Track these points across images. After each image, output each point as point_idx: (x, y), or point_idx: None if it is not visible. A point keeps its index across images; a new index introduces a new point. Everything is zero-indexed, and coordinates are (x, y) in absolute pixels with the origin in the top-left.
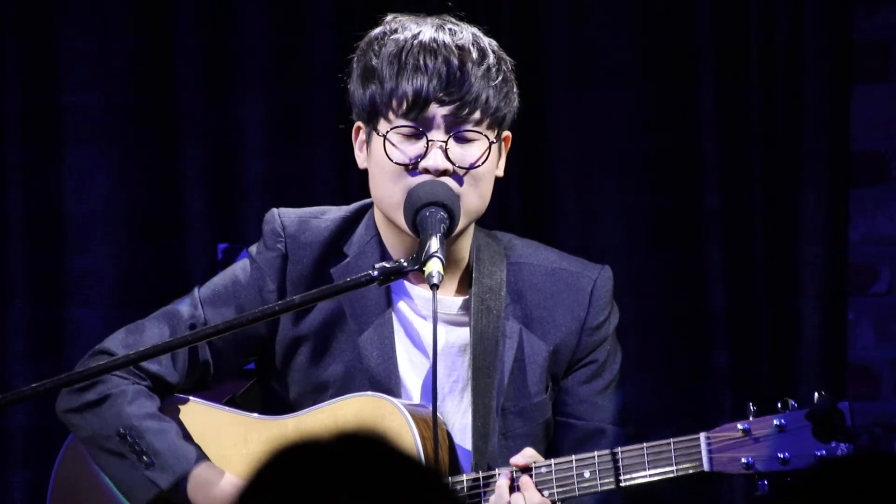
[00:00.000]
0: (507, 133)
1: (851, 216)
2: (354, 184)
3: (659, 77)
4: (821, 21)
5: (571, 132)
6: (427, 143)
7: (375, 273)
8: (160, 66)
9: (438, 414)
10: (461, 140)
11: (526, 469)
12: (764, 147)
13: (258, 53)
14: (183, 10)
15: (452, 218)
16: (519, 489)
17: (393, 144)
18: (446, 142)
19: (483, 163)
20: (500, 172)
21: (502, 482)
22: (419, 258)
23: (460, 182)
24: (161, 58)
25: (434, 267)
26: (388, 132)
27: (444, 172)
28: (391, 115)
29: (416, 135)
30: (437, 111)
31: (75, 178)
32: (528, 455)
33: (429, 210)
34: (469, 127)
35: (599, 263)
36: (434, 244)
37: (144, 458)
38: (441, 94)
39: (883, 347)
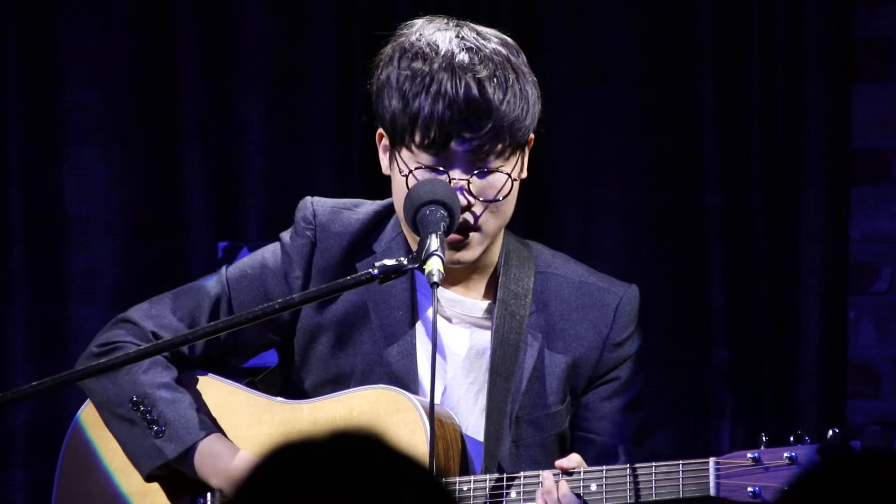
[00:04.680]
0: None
1: (852, 214)
2: (355, 183)
3: (659, 76)
4: (821, 20)
5: (571, 132)
6: (449, 181)
7: (375, 272)
8: (160, 65)
9: (453, 415)
10: (483, 174)
11: (568, 473)
12: (764, 146)
13: (259, 53)
14: (183, 10)
15: (452, 216)
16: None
17: (416, 179)
18: (469, 179)
19: (507, 195)
20: (524, 174)
21: (549, 481)
22: (419, 257)
23: (483, 210)
24: (161, 58)
25: (434, 265)
26: (412, 170)
27: (467, 208)
28: (413, 147)
29: (439, 172)
30: (459, 149)
31: (76, 177)
32: (574, 460)
33: (428, 209)
34: (492, 163)
35: (607, 270)
36: (434, 242)
37: (154, 426)
38: (463, 132)
39: (883, 346)
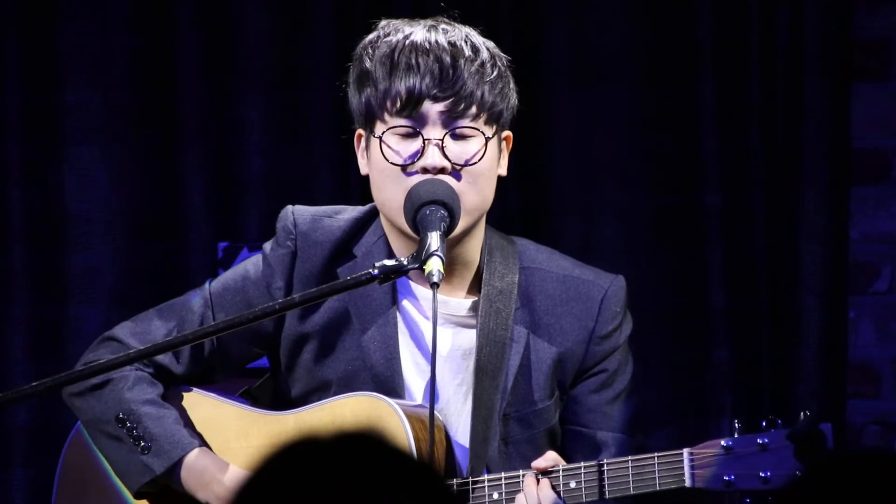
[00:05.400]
0: (507, 133)
1: (852, 214)
2: (354, 183)
3: (659, 76)
4: (821, 20)
5: (571, 132)
6: (423, 142)
7: (375, 272)
8: (160, 65)
9: (439, 416)
10: (458, 137)
11: (546, 472)
12: (764, 145)
13: (259, 53)
14: (183, 10)
15: (453, 216)
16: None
17: (389, 146)
18: (442, 139)
19: (480, 159)
20: (503, 171)
21: (530, 481)
22: (419, 256)
23: (458, 179)
24: (161, 57)
25: (434, 265)
26: (383, 133)
27: (442, 170)
28: (386, 116)
29: (412, 134)
30: (432, 108)
31: (76, 177)
32: (549, 458)
33: (429, 209)
34: (465, 123)
35: (611, 273)
36: (434, 242)
37: (141, 442)
38: (435, 91)
39: (883, 346)
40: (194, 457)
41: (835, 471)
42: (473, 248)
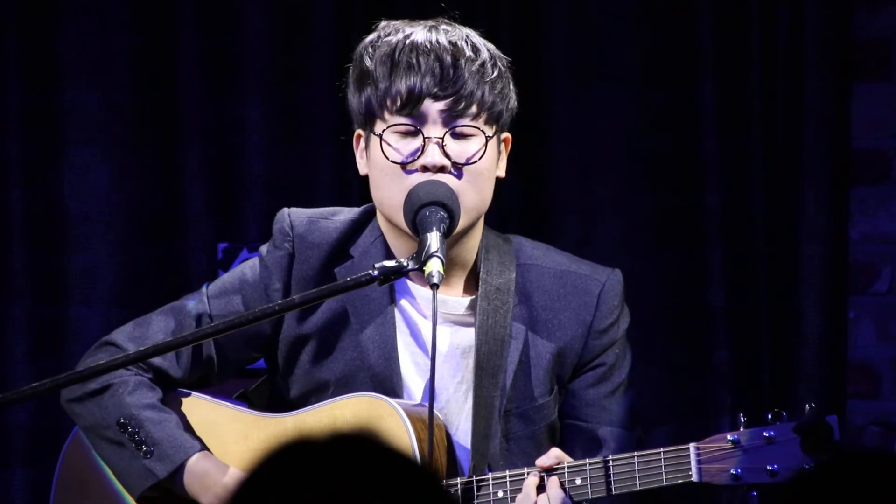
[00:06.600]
0: (506, 134)
1: (852, 215)
2: (355, 183)
3: (659, 77)
4: (822, 20)
5: (571, 132)
6: (423, 140)
7: (375, 273)
8: (160, 66)
9: (439, 415)
10: (458, 136)
11: (550, 470)
12: (764, 146)
13: (258, 53)
14: (183, 10)
15: (452, 217)
16: (545, 489)
17: (389, 144)
18: (443, 138)
19: (481, 158)
20: (502, 173)
21: (531, 481)
22: (419, 257)
23: (458, 178)
24: (161, 58)
25: (434, 266)
26: (383, 131)
27: (442, 169)
28: (386, 115)
29: (413, 132)
30: (432, 107)
31: (76, 178)
32: (553, 456)
33: (429, 210)
34: (466, 122)
35: (608, 267)
36: (434, 243)
37: (143, 447)
38: (435, 90)
39: (883, 346)
40: (196, 460)
41: (834, 472)
42: (471, 248)
